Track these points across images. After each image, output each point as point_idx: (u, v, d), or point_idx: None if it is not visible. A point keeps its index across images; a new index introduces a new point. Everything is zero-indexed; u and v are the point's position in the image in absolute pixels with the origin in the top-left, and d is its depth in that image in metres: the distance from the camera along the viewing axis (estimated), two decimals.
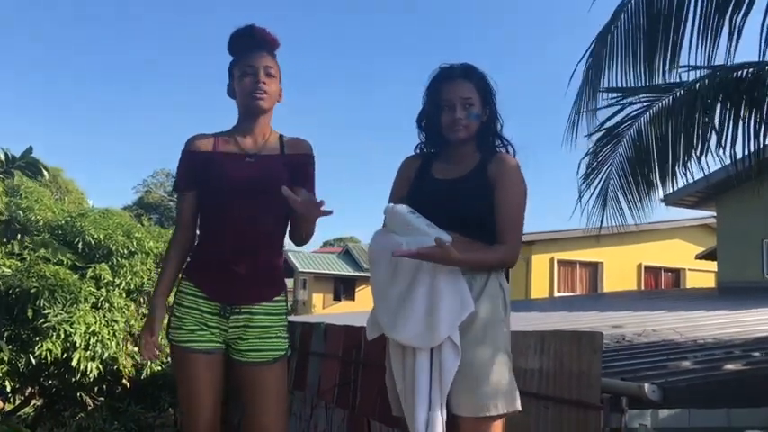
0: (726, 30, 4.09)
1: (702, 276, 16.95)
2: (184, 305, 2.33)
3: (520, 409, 2.19)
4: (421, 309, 2.10)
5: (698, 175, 4.80)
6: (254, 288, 2.33)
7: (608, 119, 5.07)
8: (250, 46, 2.36)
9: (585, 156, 5.26)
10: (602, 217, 5.42)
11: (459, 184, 2.30)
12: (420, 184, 2.37)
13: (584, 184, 5.31)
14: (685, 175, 4.79)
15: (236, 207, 2.30)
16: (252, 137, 2.39)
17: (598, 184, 5.36)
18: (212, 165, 2.34)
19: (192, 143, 2.40)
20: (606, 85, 4.93)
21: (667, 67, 4.53)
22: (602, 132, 5.14)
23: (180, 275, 2.41)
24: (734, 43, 4.05)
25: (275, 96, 2.39)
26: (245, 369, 2.31)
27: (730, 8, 4.03)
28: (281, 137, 2.45)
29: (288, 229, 2.45)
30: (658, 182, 5.04)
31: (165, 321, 2.42)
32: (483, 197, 2.26)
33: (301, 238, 2.43)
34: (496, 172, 2.29)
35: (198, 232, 2.46)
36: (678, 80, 4.66)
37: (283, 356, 2.36)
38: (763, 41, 3.91)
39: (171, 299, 2.44)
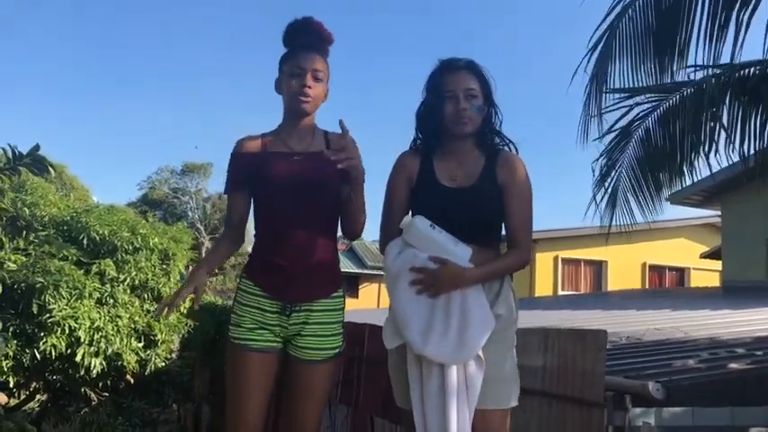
0: (732, 27, 4.08)
1: (707, 275, 16.90)
2: (245, 303, 2.37)
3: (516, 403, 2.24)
4: (454, 326, 2.12)
5: (705, 174, 4.82)
6: (312, 286, 2.36)
7: (618, 120, 5.09)
8: (303, 44, 2.38)
9: (600, 157, 5.26)
10: (612, 217, 5.43)
11: (473, 194, 2.28)
12: (428, 190, 2.32)
13: (597, 186, 5.32)
14: (691, 174, 4.80)
15: (288, 206, 2.34)
16: (297, 136, 2.42)
17: (609, 184, 5.37)
18: (262, 165, 2.37)
19: (241, 145, 2.44)
20: (615, 84, 4.93)
21: (675, 66, 4.54)
22: (614, 133, 5.15)
23: (241, 274, 2.46)
24: (740, 40, 4.05)
25: (320, 99, 2.41)
26: (301, 365, 2.34)
27: (738, 4, 4.03)
28: (325, 134, 2.46)
29: (339, 224, 2.48)
30: (667, 181, 5.05)
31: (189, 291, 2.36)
32: (496, 204, 2.28)
33: (354, 230, 2.45)
34: (506, 175, 2.29)
35: (254, 233, 2.48)
36: (686, 79, 4.66)
37: (338, 354, 2.40)
38: None
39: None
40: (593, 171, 5.30)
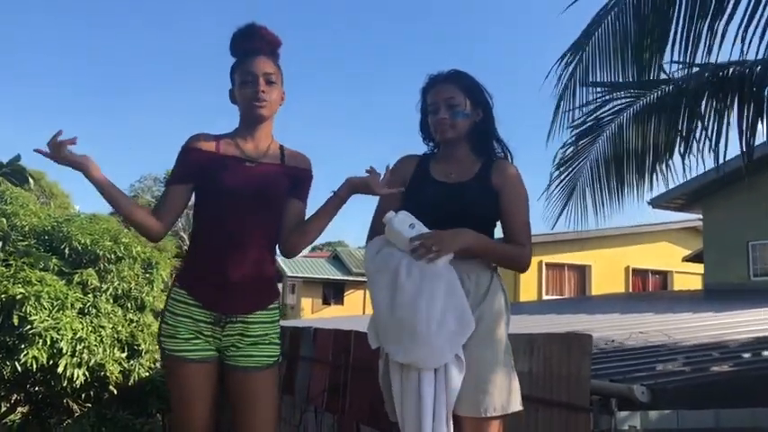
0: (709, 33, 4.12)
1: (689, 278, 17.05)
2: (177, 313, 2.28)
3: (521, 408, 2.20)
4: (425, 331, 2.09)
5: (681, 175, 4.75)
6: (251, 297, 2.30)
7: (589, 113, 4.99)
8: (250, 49, 2.33)
9: (563, 147, 5.14)
10: (563, 210, 5.30)
11: (463, 189, 2.29)
12: (420, 185, 2.36)
13: (556, 173, 5.22)
14: (664, 173, 4.74)
15: (234, 213, 2.26)
16: (253, 142, 2.36)
17: (567, 176, 5.26)
18: (212, 166, 2.30)
19: (194, 141, 2.35)
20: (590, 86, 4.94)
21: (654, 65, 4.55)
22: (583, 126, 5.06)
23: (174, 282, 2.37)
24: (716, 47, 4.09)
25: (276, 103, 2.36)
26: (237, 374, 2.28)
27: (710, 14, 4.06)
28: (281, 147, 2.42)
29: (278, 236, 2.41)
30: (636, 181, 4.97)
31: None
32: (488, 203, 2.29)
33: (301, 244, 2.40)
34: (500, 180, 2.31)
35: (192, 239, 2.42)
36: (666, 76, 4.66)
37: (275, 363, 2.35)
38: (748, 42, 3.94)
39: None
40: (555, 157, 5.15)
